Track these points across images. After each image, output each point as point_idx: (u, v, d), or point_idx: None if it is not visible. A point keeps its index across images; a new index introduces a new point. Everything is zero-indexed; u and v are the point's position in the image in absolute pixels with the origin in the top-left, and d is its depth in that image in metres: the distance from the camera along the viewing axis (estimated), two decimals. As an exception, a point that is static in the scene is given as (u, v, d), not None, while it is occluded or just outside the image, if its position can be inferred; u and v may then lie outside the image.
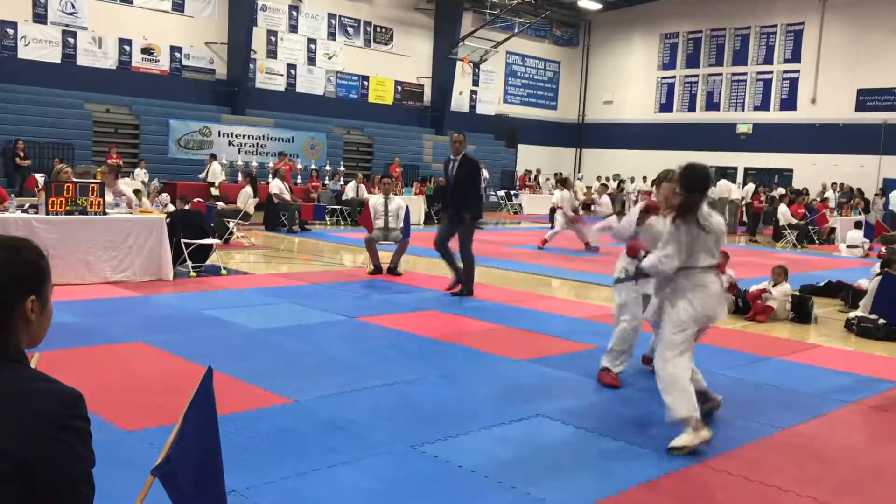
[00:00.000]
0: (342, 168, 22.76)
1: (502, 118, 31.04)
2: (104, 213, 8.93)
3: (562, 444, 4.55)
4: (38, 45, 20.02)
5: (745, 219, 22.66)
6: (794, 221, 19.63)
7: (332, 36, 26.05)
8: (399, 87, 28.15)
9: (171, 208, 11.80)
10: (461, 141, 9.18)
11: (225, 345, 6.44)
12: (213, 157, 20.72)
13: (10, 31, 19.56)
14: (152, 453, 3.94)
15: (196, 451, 2.30)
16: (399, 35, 27.89)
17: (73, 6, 20.45)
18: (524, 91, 32.91)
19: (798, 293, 9.27)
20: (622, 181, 29.61)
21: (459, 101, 29.90)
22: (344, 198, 19.49)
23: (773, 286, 8.95)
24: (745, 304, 9.01)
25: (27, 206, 9.01)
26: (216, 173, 20.30)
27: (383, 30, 27.45)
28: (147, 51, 21.97)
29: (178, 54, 22.56)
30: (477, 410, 5.07)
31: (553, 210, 21.31)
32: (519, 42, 30.97)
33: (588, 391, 5.60)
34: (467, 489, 3.81)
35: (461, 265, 9.25)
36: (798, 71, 28.09)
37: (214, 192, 19.13)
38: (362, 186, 19.53)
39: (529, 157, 30.97)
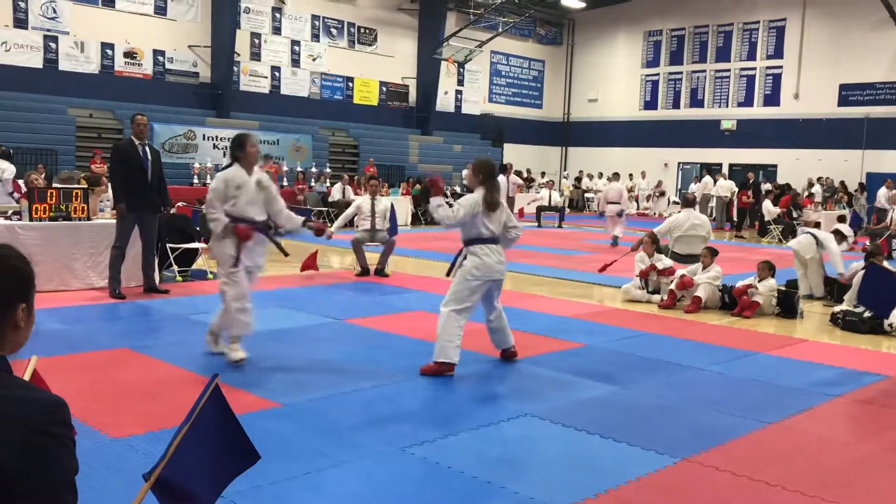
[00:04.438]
0: (328, 170, 22.69)
1: (488, 117, 31.05)
2: (88, 219, 8.87)
3: (550, 442, 4.56)
4: (20, 51, 19.85)
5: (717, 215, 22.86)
6: (778, 214, 19.73)
7: (316, 37, 25.98)
8: (384, 88, 28.10)
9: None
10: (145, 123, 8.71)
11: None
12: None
13: (-9, 37, 19.41)
14: (139, 460, 3.92)
15: (199, 461, 2.29)
16: (383, 36, 27.85)
17: (55, 11, 20.30)
18: (509, 90, 32.92)
19: (784, 288, 9.32)
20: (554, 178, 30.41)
21: (445, 100, 29.87)
22: (330, 199, 19.46)
23: (759, 281, 9.00)
24: (732, 300, 9.06)
25: (10, 212, 8.94)
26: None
27: (367, 31, 27.40)
28: (130, 55, 21.83)
29: (161, 58, 22.42)
30: (464, 411, 5.07)
31: (540, 210, 21.40)
32: (503, 41, 30.98)
33: (576, 390, 5.61)
34: (456, 490, 3.81)
35: None
36: (781, 67, 28.23)
37: None
38: (348, 188, 19.51)
39: (515, 155, 30.99)
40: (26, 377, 2.04)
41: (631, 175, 29.48)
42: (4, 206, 9.36)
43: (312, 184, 21.13)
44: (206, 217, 6.21)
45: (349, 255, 11.62)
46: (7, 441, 1.40)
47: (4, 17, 19.56)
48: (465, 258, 6.11)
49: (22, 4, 19.78)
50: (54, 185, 10.26)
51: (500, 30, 29.43)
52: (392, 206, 11.27)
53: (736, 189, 22.91)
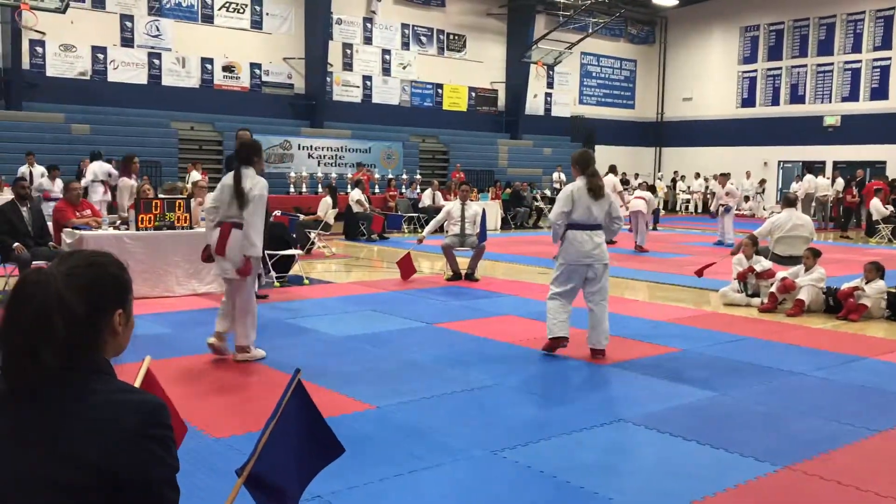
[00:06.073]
0: (418, 176, 22.92)
1: (578, 119, 30.73)
2: (191, 228, 9.23)
3: (645, 448, 4.48)
4: (127, 68, 20.87)
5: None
6: (888, 213, 18.77)
7: (406, 46, 26.32)
8: (473, 94, 28.20)
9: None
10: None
11: (308, 352, 6.57)
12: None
13: (101, 56, 20.46)
14: (240, 459, 4.05)
15: (287, 455, 2.36)
16: (472, 42, 27.96)
17: (158, 28, 21.26)
18: (600, 91, 32.51)
19: (894, 290, 8.87)
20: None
21: (534, 104, 29.75)
22: (421, 205, 19.66)
23: (867, 283, 8.59)
24: (837, 303, 8.68)
25: (118, 222, 9.38)
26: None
27: (456, 37, 27.57)
28: (228, 69, 22.64)
29: (257, 71, 23.16)
30: (558, 415, 5.03)
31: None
32: (593, 42, 30.62)
33: (672, 395, 5.48)
34: (548, 495, 3.78)
35: None
36: (889, 58, 26.90)
37: None
38: (438, 194, 19.65)
39: (608, 157, 30.59)
40: (140, 377, 2.14)
41: (728, 174, 28.60)
42: (114, 217, 9.83)
43: (403, 190, 21.39)
44: (207, 219, 6.48)
45: (440, 259, 11.70)
46: (115, 444, 1.47)
47: (113, 37, 20.61)
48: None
49: (128, 24, 20.81)
50: (159, 195, 10.71)
51: (590, 31, 29.09)
52: (483, 211, 11.31)
53: (841, 187, 21.95)
